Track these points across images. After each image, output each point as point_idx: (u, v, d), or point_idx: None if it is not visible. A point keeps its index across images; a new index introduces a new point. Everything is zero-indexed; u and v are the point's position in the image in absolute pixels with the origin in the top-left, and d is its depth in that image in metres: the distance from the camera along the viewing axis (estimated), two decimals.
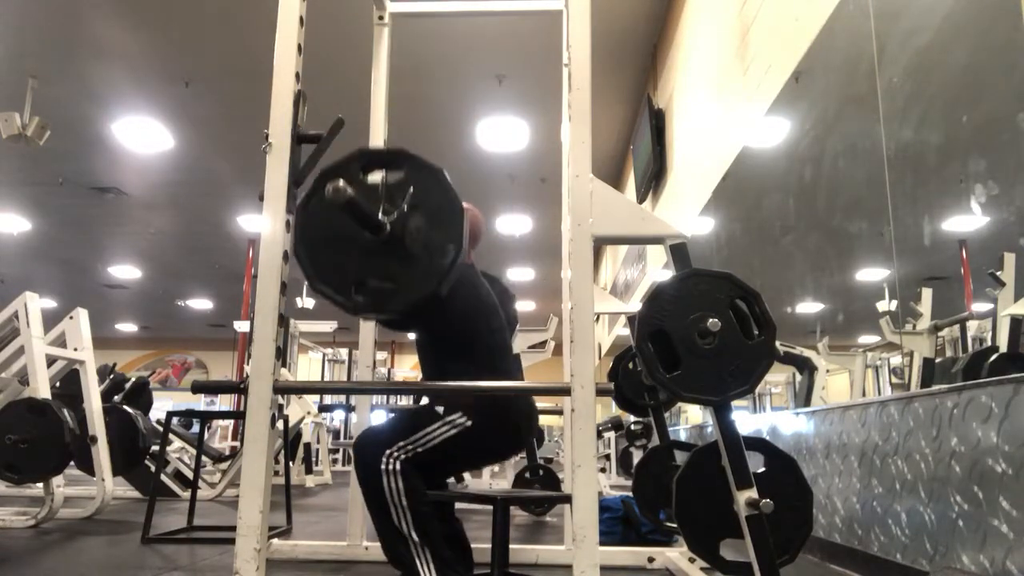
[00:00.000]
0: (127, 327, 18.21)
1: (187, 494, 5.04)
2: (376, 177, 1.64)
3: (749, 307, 1.77)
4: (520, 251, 11.28)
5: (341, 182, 1.51)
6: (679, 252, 1.85)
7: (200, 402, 15.01)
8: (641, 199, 6.49)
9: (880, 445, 2.59)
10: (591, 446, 1.65)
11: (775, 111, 3.51)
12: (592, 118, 1.79)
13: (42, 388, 3.88)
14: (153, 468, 4.69)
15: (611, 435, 9.28)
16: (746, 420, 4.55)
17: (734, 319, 1.76)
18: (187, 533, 3.66)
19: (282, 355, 1.76)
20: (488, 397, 2.05)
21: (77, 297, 9.95)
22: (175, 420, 6.66)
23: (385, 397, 9.04)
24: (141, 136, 7.64)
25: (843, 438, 2.92)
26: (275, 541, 3.06)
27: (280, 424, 4.54)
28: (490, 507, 1.98)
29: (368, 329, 3.13)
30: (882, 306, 3.98)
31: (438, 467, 1.97)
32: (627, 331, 5.88)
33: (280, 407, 3.83)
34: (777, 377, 8.05)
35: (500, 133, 7.54)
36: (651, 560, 2.96)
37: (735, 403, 1.81)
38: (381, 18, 3.27)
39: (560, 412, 3.34)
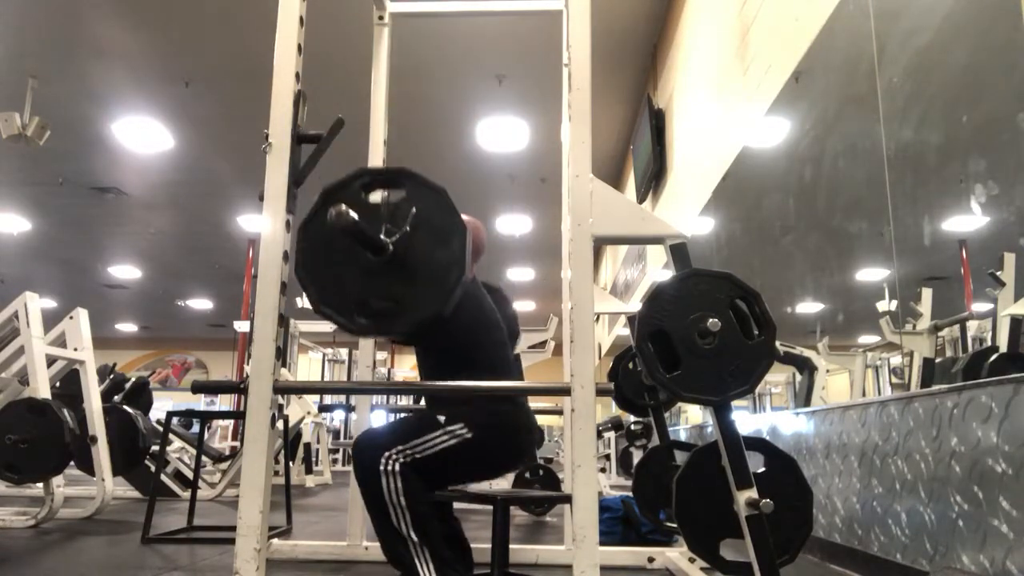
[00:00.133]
0: (127, 327, 18.21)
1: (187, 494, 5.04)
2: (378, 196, 1.64)
3: (749, 307, 1.77)
4: (520, 251, 11.28)
5: (343, 206, 1.50)
6: (679, 252, 1.85)
7: (200, 402, 15.01)
8: (641, 199, 6.49)
9: (880, 445, 2.59)
10: (591, 446, 1.65)
11: (775, 111, 3.51)
12: (592, 118, 1.79)
13: (42, 388, 3.88)
14: (153, 468, 4.70)
15: (611, 435, 9.28)
16: (746, 420, 4.55)
17: (734, 319, 1.76)
18: (187, 533, 3.66)
19: (282, 355, 1.76)
20: (491, 412, 2.05)
21: (77, 297, 9.94)
22: (175, 420, 6.66)
23: (385, 397, 9.04)
24: (141, 136, 7.64)
25: (843, 438, 2.92)
26: (275, 541, 3.06)
27: (280, 424, 4.54)
28: (490, 507, 1.99)
29: None
30: (882, 306, 3.98)
31: (436, 475, 1.96)
32: (627, 331, 5.88)
33: (280, 407, 3.82)
34: (777, 377, 8.06)
35: (500, 133, 7.54)
36: (651, 560, 2.96)
37: (735, 403, 1.81)
38: (381, 18, 3.27)
39: (560, 412, 3.33)
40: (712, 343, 1.74)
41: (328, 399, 9.53)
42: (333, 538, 3.21)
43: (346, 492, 3.11)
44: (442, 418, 2.00)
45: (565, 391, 1.70)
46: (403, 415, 2.71)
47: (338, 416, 11.04)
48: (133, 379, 6.28)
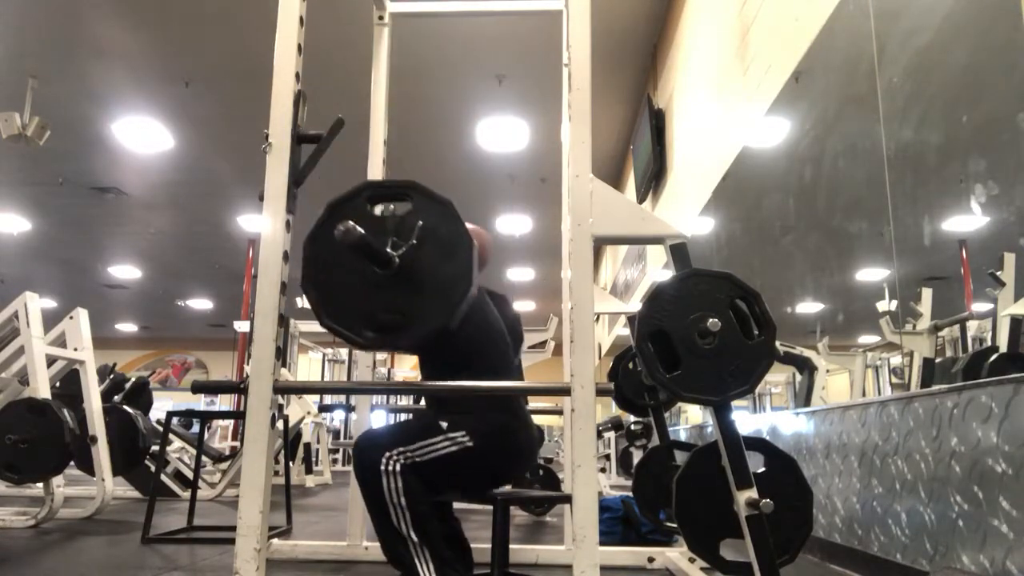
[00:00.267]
0: (127, 327, 18.21)
1: (187, 494, 5.04)
2: (383, 209, 1.63)
3: (749, 307, 1.77)
4: (520, 251, 11.28)
5: (351, 222, 1.49)
6: (679, 252, 1.85)
7: (200, 402, 15.01)
8: (641, 199, 6.49)
9: (880, 445, 2.59)
10: (591, 446, 1.65)
11: (775, 111, 3.51)
12: (592, 118, 1.79)
13: (42, 388, 3.88)
14: (153, 468, 4.70)
15: (611, 435, 9.28)
16: (746, 420, 4.55)
17: (734, 319, 1.76)
18: (187, 533, 3.66)
19: (282, 355, 1.76)
20: (494, 424, 2.05)
21: (77, 297, 9.94)
22: (175, 420, 6.66)
23: (385, 397, 9.04)
24: (141, 136, 7.63)
25: (843, 438, 2.92)
26: (275, 541, 3.06)
27: (280, 424, 4.54)
28: (490, 507, 1.98)
29: None
30: (882, 306, 3.98)
31: (434, 480, 1.96)
32: (627, 331, 5.88)
33: (280, 407, 3.83)
34: (777, 377, 8.06)
35: (500, 133, 7.54)
36: (651, 560, 2.96)
37: (735, 403, 1.81)
38: (381, 18, 3.27)
39: (560, 412, 3.33)
40: (712, 343, 1.74)
41: (328, 399, 9.53)
42: (333, 538, 3.21)
43: (346, 492, 3.11)
44: (445, 424, 2.00)
45: (565, 391, 1.70)
46: (405, 417, 2.71)
47: (338, 416, 11.04)
48: (133, 379, 6.28)
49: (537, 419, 2.60)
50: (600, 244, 1.84)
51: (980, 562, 1.96)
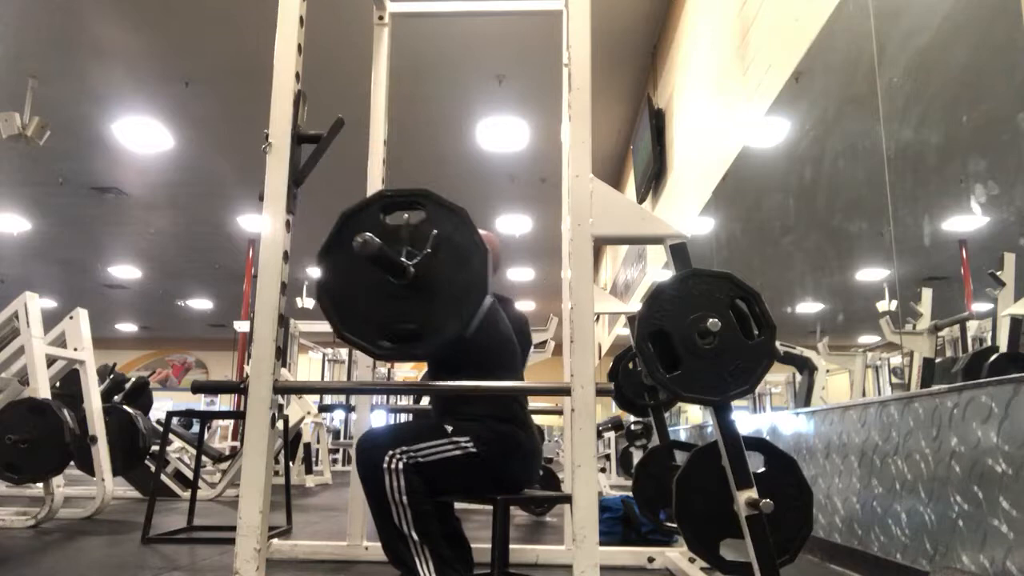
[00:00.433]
0: (127, 327, 18.21)
1: (187, 494, 5.04)
2: (397, 218, 1.63)
3: (749, 307, 1.77)
4: (520, 251, 11.28)
5: (368, 234, 1.49)
6: (679, 252, 1.85)
7: (200, 402, 15.01)
8: (641, 199, 6.49)
9: (880, 445, 2.59)
10: (591, 446, 1.65)
11: (775, 111, 3.51)
12: (592, 118, 1.79)
13: (42, 388, 3.88)
14: (153, 468, 4.69)
15: (611, 435, 9.27)
16: (746, 420, 4.55)
17: (734, 319, 1.76)
18: (187, 533, 3.66)
19: (282, 355, 1.76)
20: (500, 433, 2.05)
21: (77, 297, 9.96)
22: (175, 420, 6.66)
23: (385, 397, 9.04)
24: (141, 136, 7.63)
25: (843, 438, 2.92)
26: (275, 541, 3.06)
27: (280, 424, 4.54)
28: (490, 507, 1.98)
29: None
30: (882, 306, 3.98)
31: (435, 483, 1.96)
32: (627, 331, 5.89)
33: (280, 407, 3.82)
34: (777, 377, 8.06)
35: (500, 133, 7.54)
36: (651, 560, 2.96)
37: (735, 403, 1.81)
38: (381, 18, 3.27)
39: (560, 412, 3.33)
40: (712, 343, 1.74)
41: (328, 399, 9.53)
42: (333, 538, 3.21)
43: (346, 492, 3.11)
44: (449, 428, 2.00)
45: (565, 391, 1.70)
46: (405, 417, 2.70)
47: (338, 416, 11.03)
48: (133, 379, 6.28)
49: (537, 419, 2.60)
50: (600, 244, 1.84)
51: (980, 562, 1.96)
